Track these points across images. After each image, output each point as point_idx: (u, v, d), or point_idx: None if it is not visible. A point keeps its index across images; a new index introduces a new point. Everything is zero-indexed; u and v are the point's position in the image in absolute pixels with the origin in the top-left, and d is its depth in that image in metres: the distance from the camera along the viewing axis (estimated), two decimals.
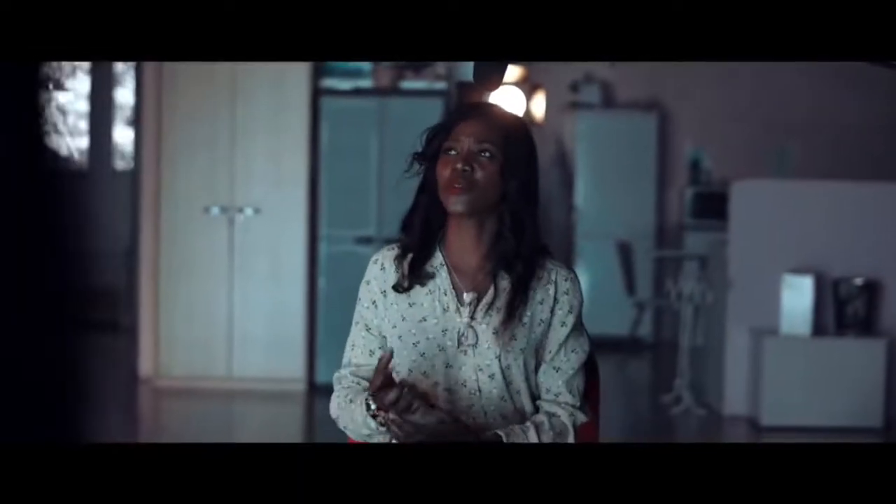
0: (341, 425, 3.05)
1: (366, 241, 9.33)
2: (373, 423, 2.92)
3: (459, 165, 2.93)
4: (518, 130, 3.04)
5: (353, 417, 2.98)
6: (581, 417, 3.05)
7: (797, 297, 8.36)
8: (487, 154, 2.95)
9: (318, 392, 9.17)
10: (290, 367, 9.31)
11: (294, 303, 9.33)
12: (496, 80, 2.70)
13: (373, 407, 2.90)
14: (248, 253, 9.29)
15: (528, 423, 2.98)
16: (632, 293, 11.98)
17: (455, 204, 2.95)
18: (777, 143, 12.33)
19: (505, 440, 2.90)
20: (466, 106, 3.15)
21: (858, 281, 8.41)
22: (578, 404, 3.06)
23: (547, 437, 2.97)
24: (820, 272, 8.49)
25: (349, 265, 9.27)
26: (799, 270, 8.47)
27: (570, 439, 3.01)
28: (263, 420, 8.73)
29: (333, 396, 3.08)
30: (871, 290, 8.44)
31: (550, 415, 3.02)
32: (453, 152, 2.96)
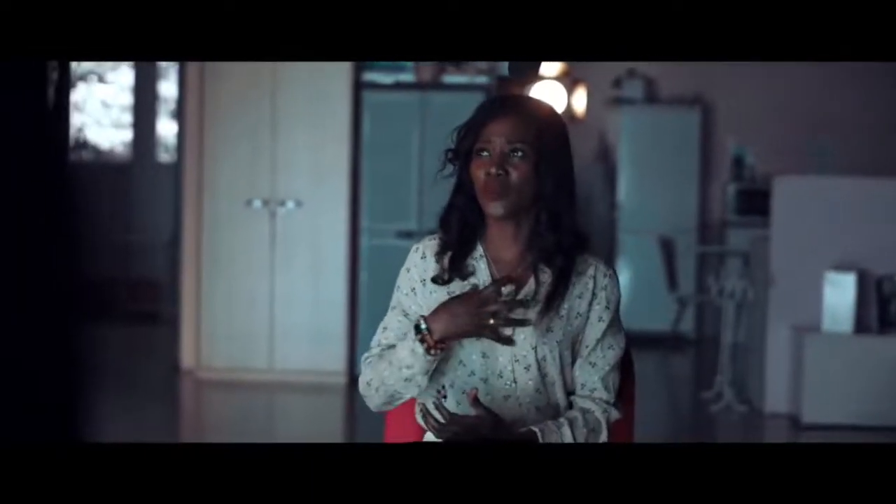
0: (374, 387, 3.03)
1: (406, 234, 9.34)
2: (420, 348, 2.91)
3: (493, 170, 2.93)
4: (549, 122, 3.02)
5: (392, 361, 2.98)
6: (615, 414, 3.05)
7: (839, 295, 8.32)
8: (520, 154, 2.94)
9: None
10: (331, 359, 9.33)
11: (335, 296, 9.34)
12: (530, 76, 2.69)
13: (423, 326, 2.91)
14: (290, 246, 9.31)
15: (563, 420, 2.97)
16: (673, 289, 11.94)
17: (493, 210, 2.96)
18: (819, 138, 12.27)
19: (540, 438, 2.89)
20: (495, 102, 3.10)
21: None
22: (612, 401, 3.06)
23: (581, 434, 2.96)
24: (863, 269, 8.44)
25: (390, 258, 9.26)
26: (841, 267, 8.42)
27: (603, 436, 3.01)
28: (304, 412, 8.75)
29: (361, 376, 3.08)
30: None
31: (584, 410, 3.02)
32: (486, 154, 2.95)
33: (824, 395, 8.26)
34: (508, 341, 2.89)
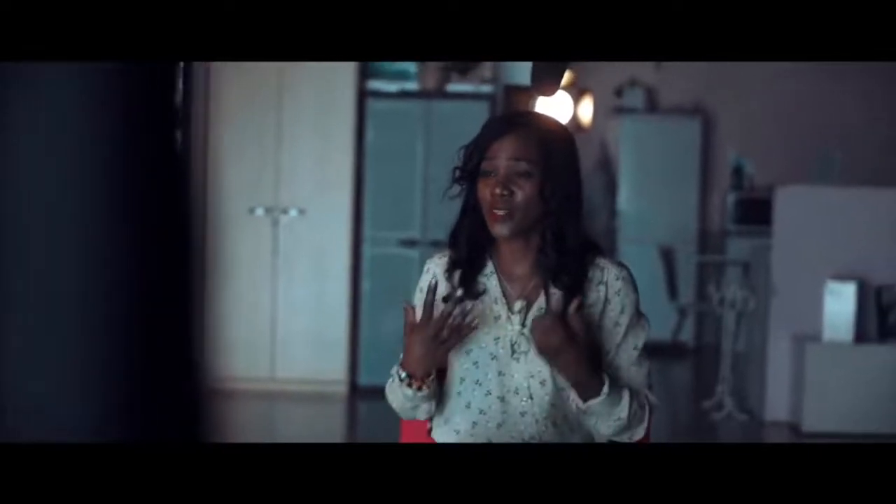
0: (396, 409, 3.10)
1: (410, 243, 9.36)
2: (409, 391, 2.97)
3: (498, 190, 2.91)
4: (556, 139, 3.01)
5: (397, 395, 3.03)
6: (654, 400, 3.08)
7: (840, 304, 8.35)
8: (526, 173, 2.93)
9: (361, 394, 9.22)
10: (333, 368, 9.34)
11: (337, 304, 9.36)
12: (555, 84, 2.67)
13: (403, 375, 2.97)
14: (292, 254, 9.34)
15: (623, 386, 2.99)
16: (674, 298, 11.98)
17: (499, 230, 2.95)
18: (820, 149, 12.30)
19: (606, 388, 2.91)
20: (501, 120, 3.09)
21: None
22: (646, 392, 3.08)
23: (633, 407, 2.96)
24: (863, 279, 8.47)
25: (393, 267, 9.31)
26: (842, 277, 8.45)
27: (646, 421, 3.02)
28: (306, 421, 8.78)
29: (387, 385, 3.12)
30: None
31: (633, 390, 3.03)
32: (491, 173, 2.95)
33: (825, 403, 8.29)
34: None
